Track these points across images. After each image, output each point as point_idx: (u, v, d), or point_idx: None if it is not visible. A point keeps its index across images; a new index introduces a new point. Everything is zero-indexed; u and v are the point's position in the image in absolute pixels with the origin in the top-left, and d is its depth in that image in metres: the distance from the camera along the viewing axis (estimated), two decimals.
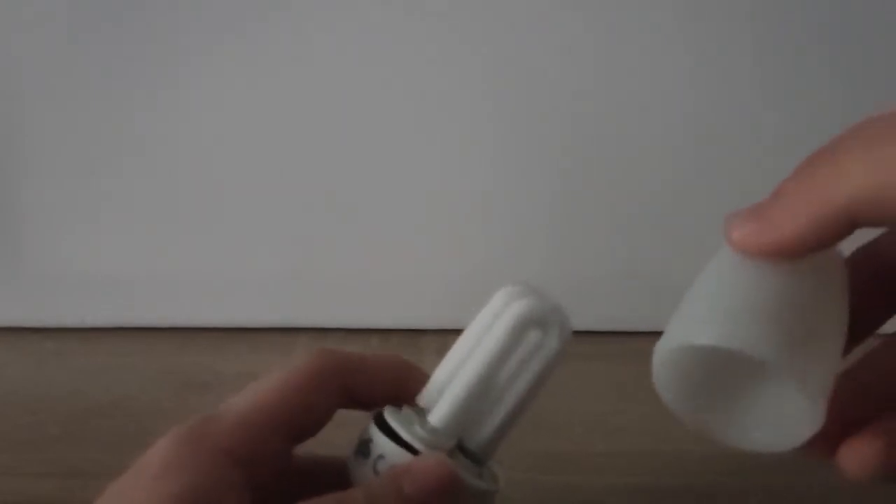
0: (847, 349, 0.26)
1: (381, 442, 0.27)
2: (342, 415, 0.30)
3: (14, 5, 0.52)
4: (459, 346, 0.29)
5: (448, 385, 0.28)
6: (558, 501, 0.38)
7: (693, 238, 0.55)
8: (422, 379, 0.30)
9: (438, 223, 0.54)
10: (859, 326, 0.26)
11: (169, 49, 0.52)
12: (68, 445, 0.44)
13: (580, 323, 0.55)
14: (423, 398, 0.29)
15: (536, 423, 0.45)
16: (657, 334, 0.53)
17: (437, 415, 0.28)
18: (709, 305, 0.26)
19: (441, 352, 0.30)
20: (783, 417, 0.25)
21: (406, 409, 0.29)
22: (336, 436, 0.29)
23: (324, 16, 0.51)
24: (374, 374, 0.29)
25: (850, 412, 0.24)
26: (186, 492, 0.24)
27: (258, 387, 0.28)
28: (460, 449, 0.28)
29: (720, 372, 0.26)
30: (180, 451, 0.25)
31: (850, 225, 0.23)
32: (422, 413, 0.28)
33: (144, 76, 0.53)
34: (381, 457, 0.27)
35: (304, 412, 0.28)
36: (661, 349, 0.26)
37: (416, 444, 0.27)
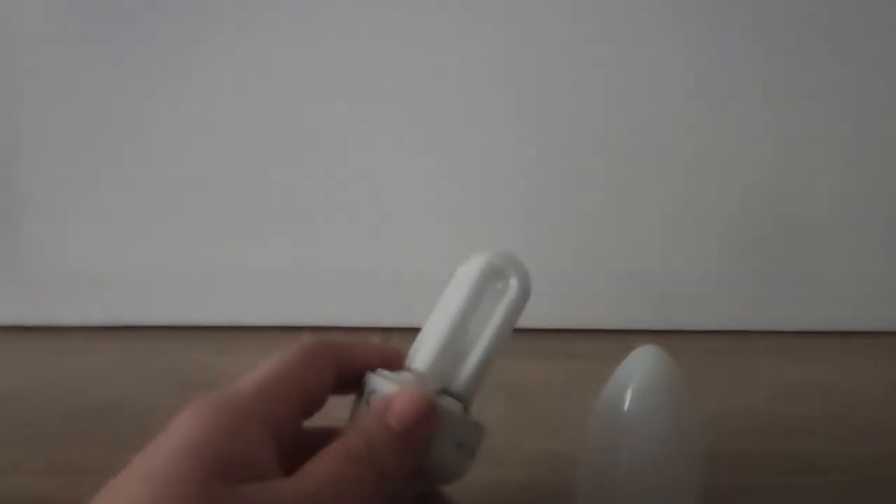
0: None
1: (373, 379, 0.30)
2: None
3: (15, 7, 0.52)
4: (433, 314, 0.32)
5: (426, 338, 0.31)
6: (558, 501, 0.38)
7: (693, 238, 0.55)
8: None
9: (439, 222, 0.55)
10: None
11: (170, 51, 0.52)
12: (69, 444, 0.44)
13: (581, 323, 0.55)
14: (407, 360, 0.32)
15: (537, 424, 0.45)
16: (657, 333, 0.53)
17: (420, 361, 0.31)
18: None
19: None
20: None
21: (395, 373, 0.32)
22: None
23: (325, 14, 0.51)
24: (362, 352, 0.32)
25: None
26: (221, 453, 0.25)
27: (261, 366, 0.29)
28: (446, 393, 0.31)
29: None
30: (206, 418, 0.26)
31: None
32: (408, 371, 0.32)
33: (145, 78, 0.53)
34: (372, 391, 0.30)
35: (307, 382, 0.30)
36: None
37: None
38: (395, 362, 0.32)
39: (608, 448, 0.33)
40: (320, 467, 0.26)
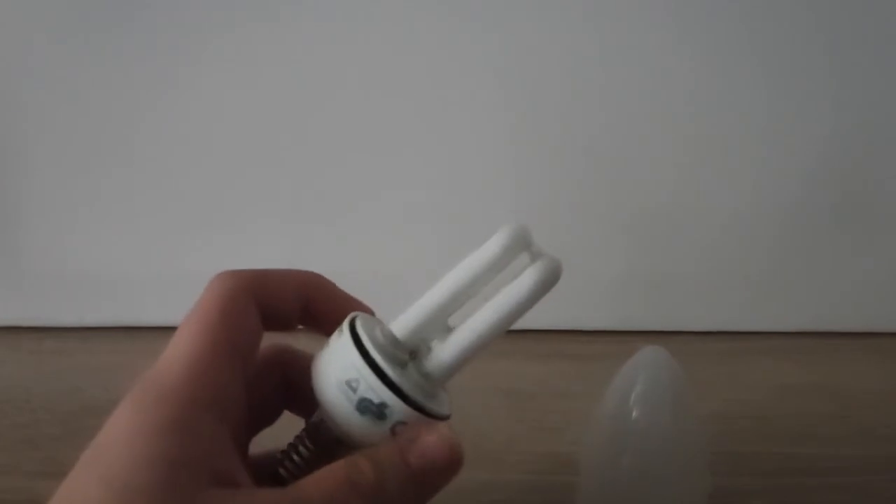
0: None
1: (389, 397, 0.26)
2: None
3: (14, 7, 0.52)
4: (450, 285, 0.28)
5: (447, 332, 0.28)
6: (558, 501, 0.38)
7: (694, 239, 0.55)
8: (331, 292, 0.30)
9: (437, 222, 0.54)
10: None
11: (168, 51, 0.52)
12: (67, 444, 0.43)
13: (580, 323, 0.55)
14: (402, 328, 0.28)
15: (537, 424, 0.45)
16: (657, 334, 0.53)
17: (438, 366, 0.27)
18: None
19: None
20: None
21: (378, 335, 0.28)
22: None
23: (319, 19, 0.51)
24: (278, 280, 0.29)
25: None
26: (174, 451, 0.23)
27: (183, 330, 0.27)
28: (418, 371, 0.28)
29: None
30: (148, 412, 0.24)
31: None
32: (401, 345, 0.28)
33: (144, 78, 0.53)
34: (398, 423, 0.26)
35: (237, 342, 0.27)
36: None
37: (416, 398, 0.27)
38: (321, 292, 0.29)
39: (611, 449, 0.33)
40: (317, 489, 0.24)
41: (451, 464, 0.26)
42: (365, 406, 0.26)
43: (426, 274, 0.31)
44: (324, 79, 0.52)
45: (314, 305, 0.30)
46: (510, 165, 0.54)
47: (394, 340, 0.28)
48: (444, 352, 0.28)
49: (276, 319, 0.29)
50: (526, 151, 0.54)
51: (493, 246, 0.28)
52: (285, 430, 0.30)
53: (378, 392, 0.26)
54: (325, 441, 0.28)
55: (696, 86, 0.52)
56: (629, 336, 0.54)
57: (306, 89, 0.53)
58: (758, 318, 0.56)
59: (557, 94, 0.52)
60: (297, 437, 0.29)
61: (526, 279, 0.28)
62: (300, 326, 0.31)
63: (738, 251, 0.55)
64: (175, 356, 0.26)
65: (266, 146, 0.54)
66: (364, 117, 0.53)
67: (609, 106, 0.53)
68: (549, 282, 0.28)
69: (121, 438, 0.24)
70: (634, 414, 0.33)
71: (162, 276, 0.56)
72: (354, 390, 0.27)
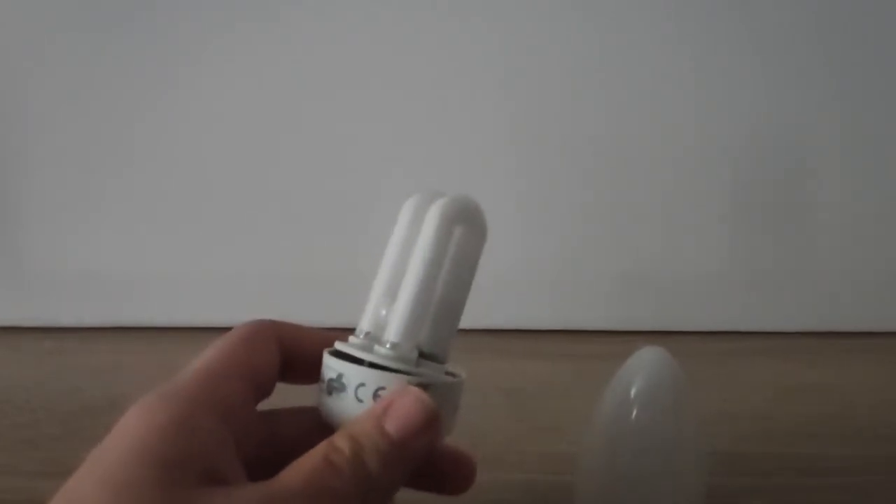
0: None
1: (353, 371, 0.27)
2: None
3: (14, 7, 0.52)
4: (387, 265, 0.30)
5: (393, 300, 0.29)
6: (558, 501, 0.38)
7: (693, 239, 0.55)
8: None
9: None
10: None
11: (168, 51, 0.52)
12: (67, 444, 0.43)
13: (581, 323, 0.55)
14: (366, 322, 0.29)
15: (537, 424, 0.45)
16: (657, 334, 0.53)
17: (394, 330, 0.28)
18: None
19: None
20: None
21: (352, 339, 0.29)
22: None
23: (321, 20, 0.51)
24: (305, 332, 0.30)
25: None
26: (174, 450, 0.23)
27: (204, 352, 0.28)
28: (421, 354, 0.28)
29: None
30: (153, 412, 0.24)
31: None
32: (372, 336, 0.29)
33: (143, 80, 0.53)
34: (361, 385, 0.27)
35: (251, 362, 0.28)
36: None
37: (387, 364, 0.27)
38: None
39: (610, 449, 0.33)
40: (296, 476, 0.24)
41: (425, 423, 0.25)
42: (331, 387, 0.27)
43: None
44: (324, 79, 0.52)
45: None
46: (510, 165, 0.54)
47: (364, 335, 0.29)
48: (390, 316, 0.28)
49: (302, 370, 0.29)
50: (526, 151, 0.54)
51: (405, 212, 0.30)
52: None
53: (333, 366, 0.28)
54: None
55: (696, 86, 0.52)
56: (629, 336, 0.54)
57: (306, 89, 0.53)
58: (758, 318, 0.56)
59: (558, 94, 0.52)
60: None
61: (426, 220, 0.28)
62: None
63: (738, 251, 0.55)
64: (190, 368, 0.27)
65: (266, 146, 0.54)
66: (364, 117, 0.53)
67: (609, 106, 0.53)
68: (448, 214, 0.28)
69: (125, 437, 0.24)
70: (634, 414, 0.32)
71: (162, 277, 0.56)
72: (323, 380, 0.28)
